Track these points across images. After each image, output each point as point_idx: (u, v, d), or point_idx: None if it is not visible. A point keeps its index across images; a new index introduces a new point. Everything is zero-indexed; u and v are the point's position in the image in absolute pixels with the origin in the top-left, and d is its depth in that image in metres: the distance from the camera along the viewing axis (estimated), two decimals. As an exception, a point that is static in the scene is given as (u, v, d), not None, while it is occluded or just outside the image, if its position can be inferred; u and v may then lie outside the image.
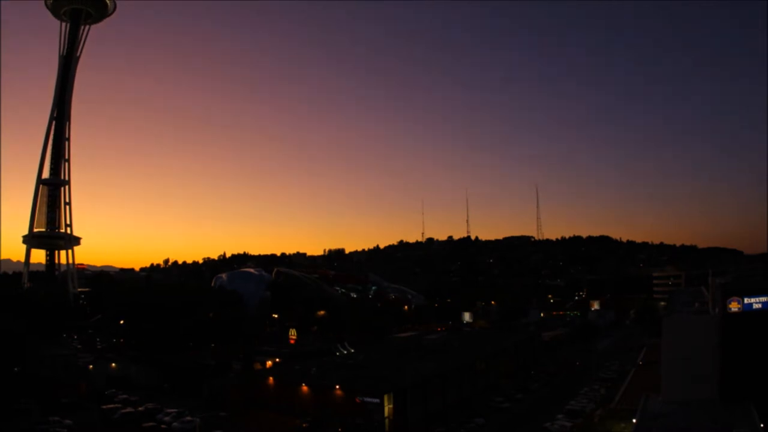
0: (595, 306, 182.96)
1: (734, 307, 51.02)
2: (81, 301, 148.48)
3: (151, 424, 61.80)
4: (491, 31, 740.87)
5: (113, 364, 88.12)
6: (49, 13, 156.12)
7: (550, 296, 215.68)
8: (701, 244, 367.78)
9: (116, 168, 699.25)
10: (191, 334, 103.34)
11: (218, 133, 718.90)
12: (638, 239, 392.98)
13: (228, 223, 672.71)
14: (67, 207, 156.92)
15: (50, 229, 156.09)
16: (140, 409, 66.92)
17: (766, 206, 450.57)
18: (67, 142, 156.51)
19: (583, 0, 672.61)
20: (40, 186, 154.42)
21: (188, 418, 62.39)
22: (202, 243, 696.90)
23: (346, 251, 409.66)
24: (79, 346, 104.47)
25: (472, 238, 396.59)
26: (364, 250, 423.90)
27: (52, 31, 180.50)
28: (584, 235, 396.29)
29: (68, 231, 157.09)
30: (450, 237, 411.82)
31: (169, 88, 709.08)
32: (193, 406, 68.81)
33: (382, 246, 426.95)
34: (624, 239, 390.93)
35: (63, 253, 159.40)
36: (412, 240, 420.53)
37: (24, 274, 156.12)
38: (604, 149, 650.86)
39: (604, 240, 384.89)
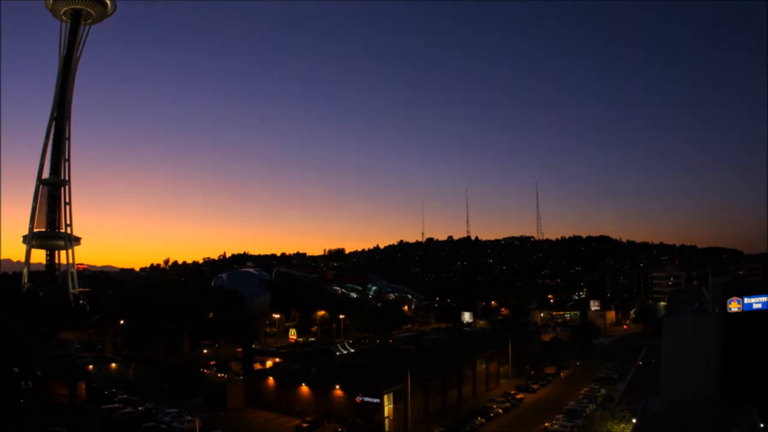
0: (595, 306, 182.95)
1: (734, 307, 50.87)
2: (81, 301, 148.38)
3: (151, 424, 61.85)
4: (492, 31, 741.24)
5: (113, 364, 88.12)
6: (49, 14, 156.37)
7: (550, 296, 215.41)
8: (701, 244, 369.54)
9: (117, 168, 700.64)
10: (191, 334, 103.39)
11: (219, 134, 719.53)
12: (638, 239, 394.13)
13: (228, 223, 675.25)
14: (68, 207, 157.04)
15: (50, 229, 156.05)
16: (140, 409, 66.91)
17: (766, 206, 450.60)
18: (67, 142, 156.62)
19: (584, 0, 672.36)
20: (41, 186, 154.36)
21: (188, 417, 62.49)
22: (202, 243, 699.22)
23: (346, 251, 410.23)
24: (79, 346, 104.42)
25: (472, 238, 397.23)
26: (364, 250, 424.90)
27: (52, 31, 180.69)
28: (584, 235, 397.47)
29: (68, 231, 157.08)
30: (450, 237, 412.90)
31: (170, 89, 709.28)
32: (193, 406, 68.84)
33: (382, 246, 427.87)
34: (624, 239, 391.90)
35: (63, 253, 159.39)
36: (412, 240, 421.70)
37: (24, 274, 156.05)
38: (604, 150, 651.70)
39: (604, 240, 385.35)
